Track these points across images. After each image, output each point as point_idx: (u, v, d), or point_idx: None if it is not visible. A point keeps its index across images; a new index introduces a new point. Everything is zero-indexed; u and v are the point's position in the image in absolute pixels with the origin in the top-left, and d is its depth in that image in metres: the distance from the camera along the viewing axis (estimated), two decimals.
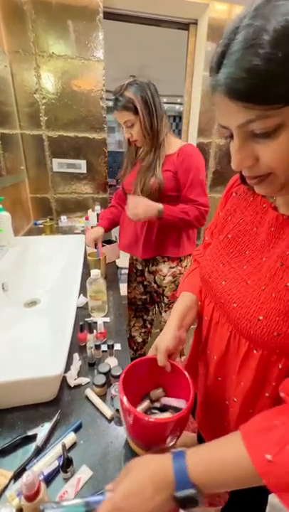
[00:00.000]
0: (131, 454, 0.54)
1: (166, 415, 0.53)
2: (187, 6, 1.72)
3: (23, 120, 1.66)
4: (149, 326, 1.58)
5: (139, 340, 1.58)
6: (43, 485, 0.43)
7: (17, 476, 0.49)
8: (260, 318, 0.43)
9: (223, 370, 0.57)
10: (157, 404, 0.57)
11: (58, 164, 1.80)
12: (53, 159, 1.78)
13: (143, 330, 1.57)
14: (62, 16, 1.51)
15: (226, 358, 0.54)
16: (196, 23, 1.89)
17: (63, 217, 1.88)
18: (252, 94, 0.30)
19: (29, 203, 1.85)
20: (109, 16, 1.73)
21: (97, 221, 1.63)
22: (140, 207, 1.05)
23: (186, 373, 0.53)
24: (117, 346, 0.81)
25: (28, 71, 1.57)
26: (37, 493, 0.41)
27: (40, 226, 1.74)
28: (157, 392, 0.59)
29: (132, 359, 1.74)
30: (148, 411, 0.56)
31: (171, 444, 0.49)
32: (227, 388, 0.57)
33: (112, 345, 0.77)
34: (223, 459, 0.37)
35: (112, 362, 0.74)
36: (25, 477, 0.41)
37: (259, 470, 0.33)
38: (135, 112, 1.04)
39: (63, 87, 1.64)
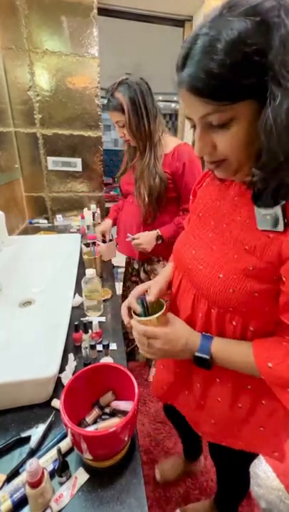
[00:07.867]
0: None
1: (115, 420, 0.55)
2: (182, 2, 1.71)
3: (17, 118, 1.63)
4: None
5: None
6: (46, 473, 0.44)
7: (10, 478, 0.48)
8: (220, 276, 0.51)
9: None
10: (107, 410, 0.58)
11: (52, 162, 1.77)
12: (48, 157, 1.76)
13: None
14: (56, 12, 1.49)
15: (190, 321, 0.60)
16: (191, 20, 1.88)
17: (59, 216, 1.87)
18: (208, 92, 0.38)
19: (24, 202, 1.83)
20: (104, 12, 1.71)
21: (93, 220, 1.62)
22: (142, 239, 1.15)
23: (129, 373, 0.56)
24: (113, 346, 0.80)
25: (22, 68, 1.55)
26: (40, 480, 0.42)
27: (36, 225, 1.72)
28: (107, 397, 0.60)
29: (129, 355, 1.71)
30: (98, 418, 0.57)
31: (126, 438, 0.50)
32: None
33: (108, 345, 0.76)
34: (237, 351, 0.52)
35: (107, 362, 0.73)
36: (29, 465, 0.41)
37: (261, 372, 0.49)
38: (124, 112, 1.03)
39: (58, 84, 1.62)
